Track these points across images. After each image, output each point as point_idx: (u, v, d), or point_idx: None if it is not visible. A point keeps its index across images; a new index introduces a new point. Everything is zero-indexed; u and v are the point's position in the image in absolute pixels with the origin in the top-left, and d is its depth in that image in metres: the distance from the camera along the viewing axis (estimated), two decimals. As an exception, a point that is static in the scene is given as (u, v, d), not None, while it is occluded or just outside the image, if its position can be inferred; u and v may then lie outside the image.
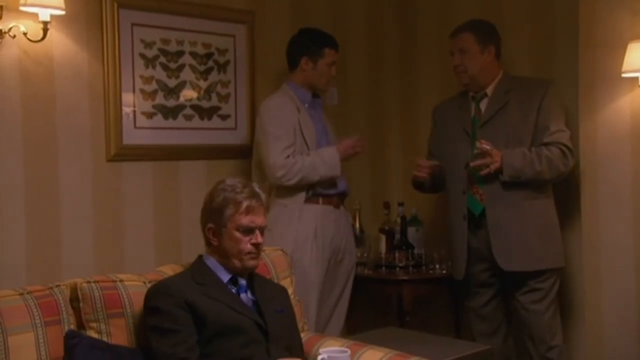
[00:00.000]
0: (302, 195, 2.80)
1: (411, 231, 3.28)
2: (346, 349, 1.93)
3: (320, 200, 2.84)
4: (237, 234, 1.93)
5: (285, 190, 2.79)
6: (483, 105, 2.83)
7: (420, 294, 3.19)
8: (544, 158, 2.63)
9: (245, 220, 1.93)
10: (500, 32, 2.87)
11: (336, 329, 2.94)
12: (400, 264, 3.21)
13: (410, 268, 3.20)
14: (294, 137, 2.78)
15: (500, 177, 2.66)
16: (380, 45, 3.67)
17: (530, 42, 3.06)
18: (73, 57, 2.61)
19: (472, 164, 2.69)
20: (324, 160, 2.77)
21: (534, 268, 2.70)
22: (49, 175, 2.57)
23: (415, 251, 3.26)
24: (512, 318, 2.92)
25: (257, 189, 2.00)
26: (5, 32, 2.38)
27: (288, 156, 2.72)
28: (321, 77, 2.91)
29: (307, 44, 2.90)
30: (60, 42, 2.57)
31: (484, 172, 2.65)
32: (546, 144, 2.67)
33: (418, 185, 2.96)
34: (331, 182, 2.86)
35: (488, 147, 2.61)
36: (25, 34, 2.41)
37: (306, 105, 2.90)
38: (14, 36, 2.40)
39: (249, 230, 1.94)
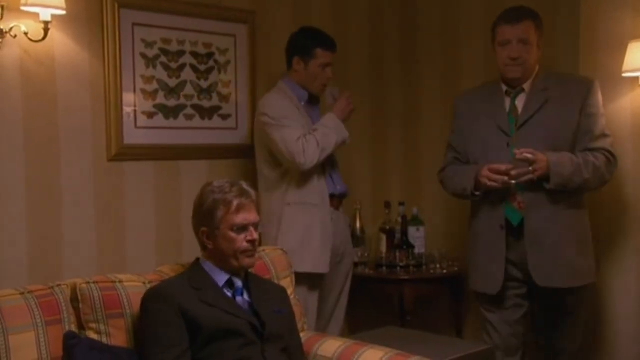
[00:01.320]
0: (303, 195, 2.79)
1: (412, 231, 3.29)
2: None
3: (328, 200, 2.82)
4: (232, 234, 1.92)
5: (286, 190, 2.78)
6: (520, 102, 2.53)
7: (422, 293, 3.19)
8: (591, 165, 2.42)
9: (238, 219, 1.92)
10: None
11: (336, 329, 2.94)
12: (401, 264, 3.21)
13: (411, 268, 3.20)
14: (301, 125, 2.75)
15: (545, 185, 2.40)
16: (381, 45, 3.67)
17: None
18: (74, 57, 2.62)
19: (513, 173, 2.40)
20: (330, 127, 2.74)
21: (571, 285, 2.48)
22: (51, 175, 2.58)
23: (416, 251, 3.26)
24: (532, 334, 2.73)
25: (245, 186, 1.99)
26: (6, 32, 2.38)
27: (299, 138, 2.68)
28: (314, 79, 2.84)
29: (300, 43, 2.85)
30: (61, 42, 2.57)
31: (525, 178, 2.39)
32: (591, 150, 2.46)
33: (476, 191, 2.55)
34: (331, 183, 2.85)
35: (530, 157, 2.36)
36: (26, 33, 2.42)
37: (303, 103, 2.88)
38: (15, 36, 2.41)
39: (242, 228, 1.93)
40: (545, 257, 2.45)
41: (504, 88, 2.58)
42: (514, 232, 2.49)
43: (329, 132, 2.74)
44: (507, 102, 2.56)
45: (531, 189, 2.44)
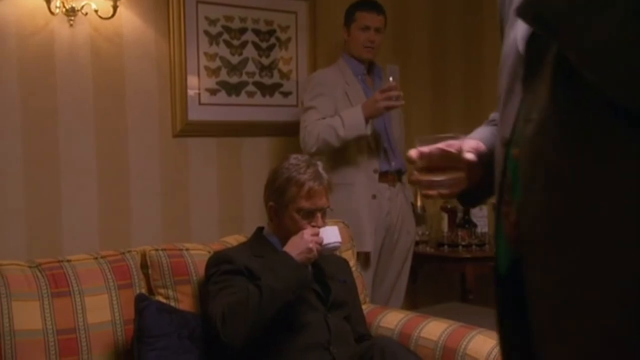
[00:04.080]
0: (357, 172, 2.76)
1: (474, 209, 3.23)
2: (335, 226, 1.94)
3: (377, 177, 2.80)
4: (297, 216, 1.90)
5: (341, 165, 2.77)
6: None
7: (484, 272, 3.13)
8: None
9: (306, 203, 1.90)
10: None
11: (396, 305, 2.92)
12: (463, 243, 3.16)
13: (474, 246, 3.14)
14: (330, 109, 2.71)
15: None
16: (443, 20, 3.60)
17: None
18: (141, 34, 2.68)
19: None
20: (344, 122, 2.64)
21: None
22: (119, 150, 2.66)
23: (479, 230, 3.20)
24: None
25: (321, 169, 1.95)
26: (78, 10, 2.46)
27: (309, 124, 2.67)
28: (356, 43, 2.80)
29: (347, 12, 2.86)
30: (129, 20, 2.64)
31: None
32: None
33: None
34: (385, 159, 2.80)
35: None
36: (96, 11, 2.49)
37: (359, 76, 2.84)
38: (86, 14, 2.48)
39: (309, 213, 1.91)
40: None
41: None
42: None
43: (338, 126, 2.62)
44: None
45: None
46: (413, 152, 0.97)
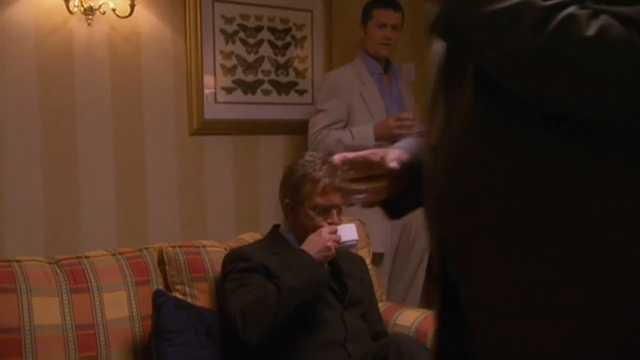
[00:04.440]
0: None
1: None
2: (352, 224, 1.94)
3: None
4: (313, 213, 1.91)
5: None
6: None
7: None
8: None
9: (321, 200, 1.90)
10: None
11: (412, 304, 2.91)
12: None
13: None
14: (341, 113, 2.72)
15: None
16: None
17: None
18: (157, 32, 2.70)
19: None
20: (354, 139, 2.65)
21: None
22: (136, 148, 2.68)
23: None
24: None
25: None
26: (96, 9, 2.48)
27: (320, 134, 2.70)
28: (372, 40, 2.79)
29: (363, 9, 2.84)
30: (146, 18, 2.65)
31: None
32: None
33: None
34: None
35: None
36: (114, 10, 2.51)
37: (375, 76, 2.84)
38: (104, 13, 2.50)
39: (325, 210, 1.91)
40: None
41: None
42: None
43: (348, 143, 2.61)
44: None
45: None
46: (337, 157, 0.97)
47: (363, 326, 1.95)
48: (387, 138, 2.63)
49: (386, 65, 2.90)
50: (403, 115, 2.63)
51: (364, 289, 2.04)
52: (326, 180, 1.89)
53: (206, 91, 2.84)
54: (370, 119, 2.74)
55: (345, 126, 2.75)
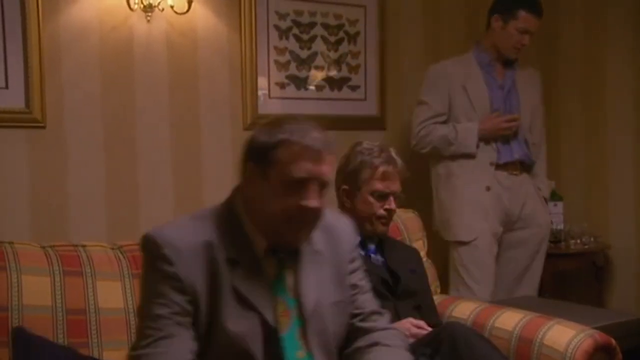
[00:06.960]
0: (467, 164, 2.74)
1: (549, 206, 3.13)
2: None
3: (492, 169, 2.75)
4: (371, 199, 1.93)
5: (448, 158, 2.79)
6: None
7: (559, 269, 3.04)
8: None
9: (380, 185, 1.92)
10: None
11: (526, 293, 2.86)
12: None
13: (549, 243, 3.05)
14: (442, 106, 2.75)
15: None
16: (555, 20, 3.30)
17: None
18: (213, 28, 2.75)
19: None
20: (457, 137, 2.71)
21: None
22: (192, 142, 2.74)
23: (554, 227, 3.10)
24: None
25: (394, 154, 1.98)
26: (155, 6, 2.55)
27: (424, 127, 2.76)
28: (508, 40, 2.71)
29: (508, 3, 2.72)
30: (202, 15, 2.71)
31: None
32: None
33: None
34: (506, 150, 2.76)
35: None
36: (172, 6, 2.57)
37: (485, 67, 2.79)
38: (163, 9, 2.57)
39: (383, 196, 1.93)
40: None
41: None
42: None
43: (452, 141, 2.71)
44: None
45: None
46: None
47: (417, 317, 1.93)
48: (490, 136, 2.70)
49: (504, 60, 2.81)
50: (515, 116, 2.71)
51: (418, 281, 2.03)
52: (385, 167, 1.91)
53: (260, 86, 2.87)
54: (472, 112, 2.73)
55: (448, 119, 2.77)
